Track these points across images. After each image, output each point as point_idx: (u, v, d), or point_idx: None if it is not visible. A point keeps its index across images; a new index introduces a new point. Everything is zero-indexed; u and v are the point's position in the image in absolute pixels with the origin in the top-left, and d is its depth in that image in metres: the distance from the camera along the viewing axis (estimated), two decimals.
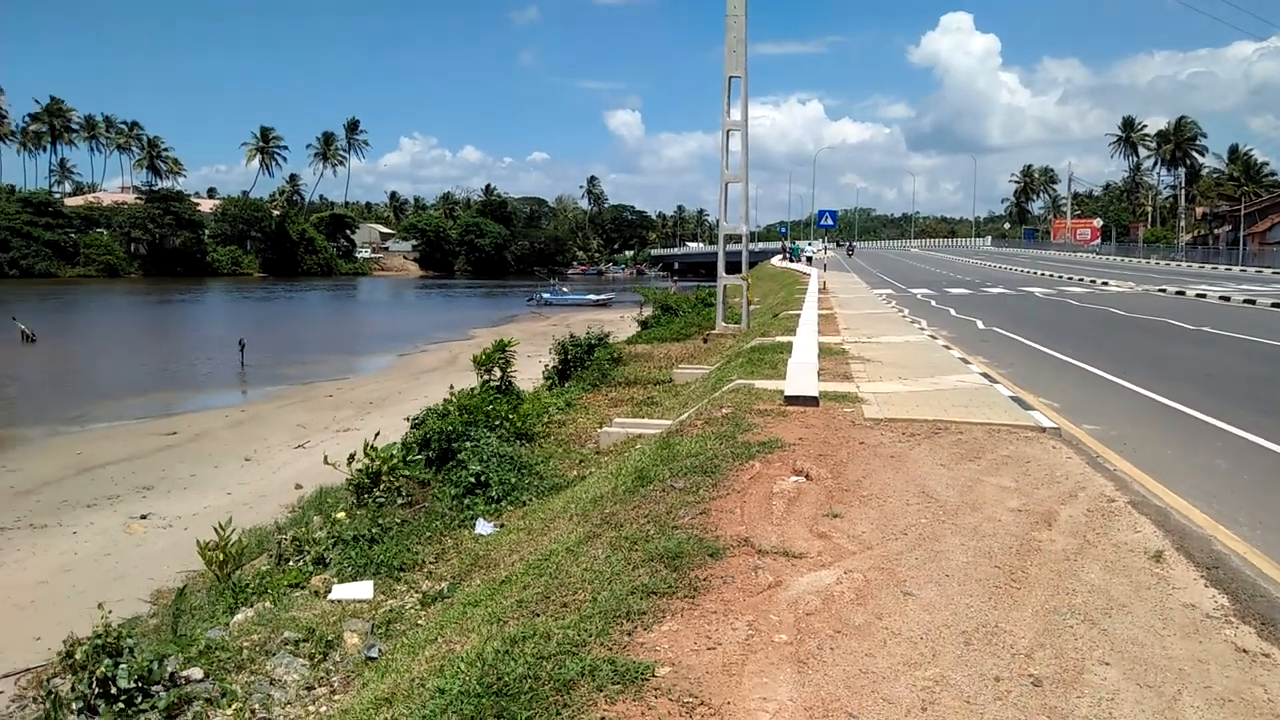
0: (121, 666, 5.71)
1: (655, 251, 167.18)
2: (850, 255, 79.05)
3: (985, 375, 12.24)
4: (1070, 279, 38.55)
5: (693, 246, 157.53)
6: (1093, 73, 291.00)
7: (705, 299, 31.82)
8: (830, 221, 37.12)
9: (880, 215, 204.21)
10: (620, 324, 36.57)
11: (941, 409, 9.44)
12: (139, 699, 5.68)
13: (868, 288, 35.23)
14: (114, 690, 5.69)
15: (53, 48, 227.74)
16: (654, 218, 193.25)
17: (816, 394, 9.56)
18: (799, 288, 32.24)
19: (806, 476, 6.95)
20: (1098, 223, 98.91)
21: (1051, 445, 8.08)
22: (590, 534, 6.35)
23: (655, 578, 5.06)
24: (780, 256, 72.80)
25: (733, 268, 23.44)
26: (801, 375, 9.65)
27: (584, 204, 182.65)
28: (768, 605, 4.67)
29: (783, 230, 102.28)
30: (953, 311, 24.07)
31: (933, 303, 27.66)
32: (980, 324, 20.49)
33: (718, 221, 23.68)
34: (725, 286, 23.01)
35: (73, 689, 5.91)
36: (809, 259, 63.03)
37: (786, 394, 9.60)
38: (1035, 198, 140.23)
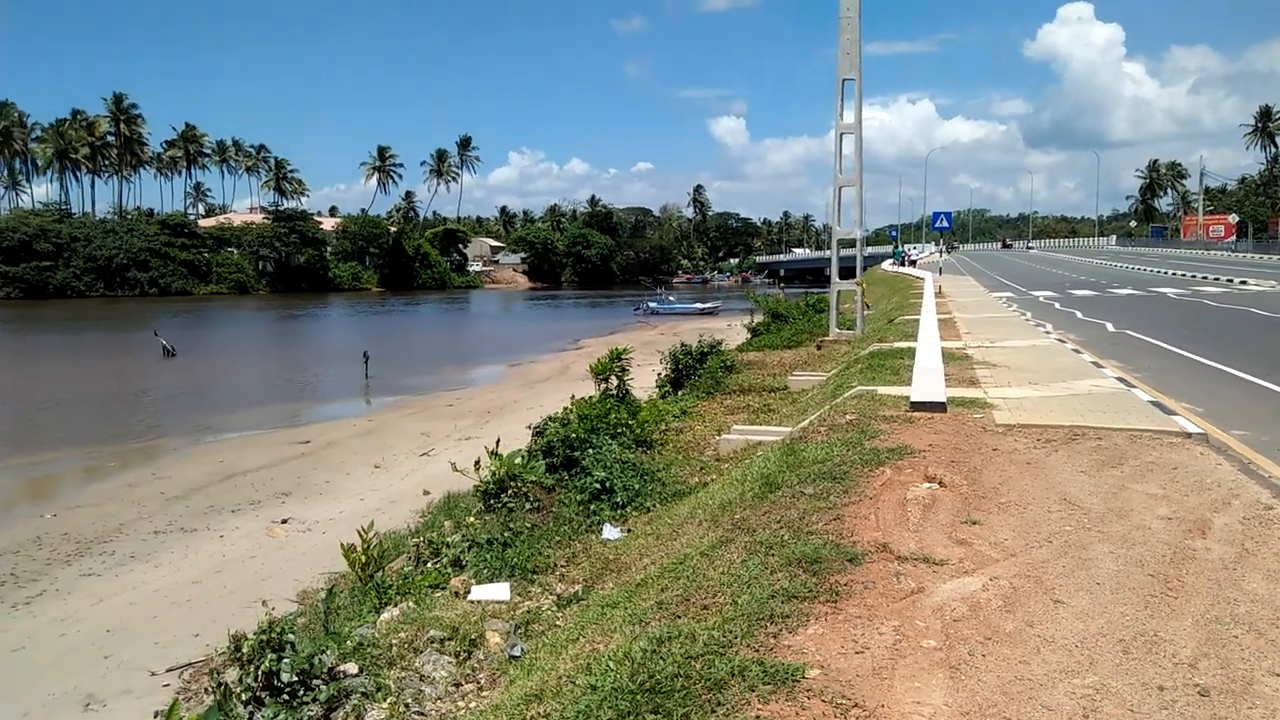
0: (284, 660, 6.07)
1: (760, 258, 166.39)
2: (951, 251, 77.05)
3: (1121, 380, 11.79)
4: (1204, 278, 36.59)
5: (799, 253, 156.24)
6: (1226, 59, 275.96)
7: (815, 305, 31.51)
8: (945, 224, 36.25)
9: (995, 216, 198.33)
10: (729, 332, 36.53)
11: (1077, 414, 9.16)
12: (301, 691, 6.02)
13: (986, 291, 34.24)
14: (278, 683, 6.05)
15: (186, 76, 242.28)
16: (759, 224, 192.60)
17: (944, 400, 9.42)
18: (913, 292, 31.61)
19: (940, 483, 6.87)
20: (1233, 218, 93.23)
21: (1199, 451, 7.75)
22: (723, 538, 6.43)
23: (795, 582, 5.11)
24: (891, 260, 71.48)
25: (844, 273, 23.17)
26: (927, 380, 9.52)
27: (688, 213, 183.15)
28: (912, 611, 4.67)
29: (893, 234, 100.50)
30: (1078, 314, 23.19)
31: (1056, 305, 26.70)
32: (1110, 327, 19.70)
33: (825, 226, 23.74)
34: (838, 292, 22.77)
35: (240, 681, 6.31)
36: (913, 262, 61.51)
37: (912, 400, 9.48)
38: (1162, 194, 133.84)
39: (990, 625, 4.43)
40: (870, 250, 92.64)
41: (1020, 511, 6.18)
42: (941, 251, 56.16)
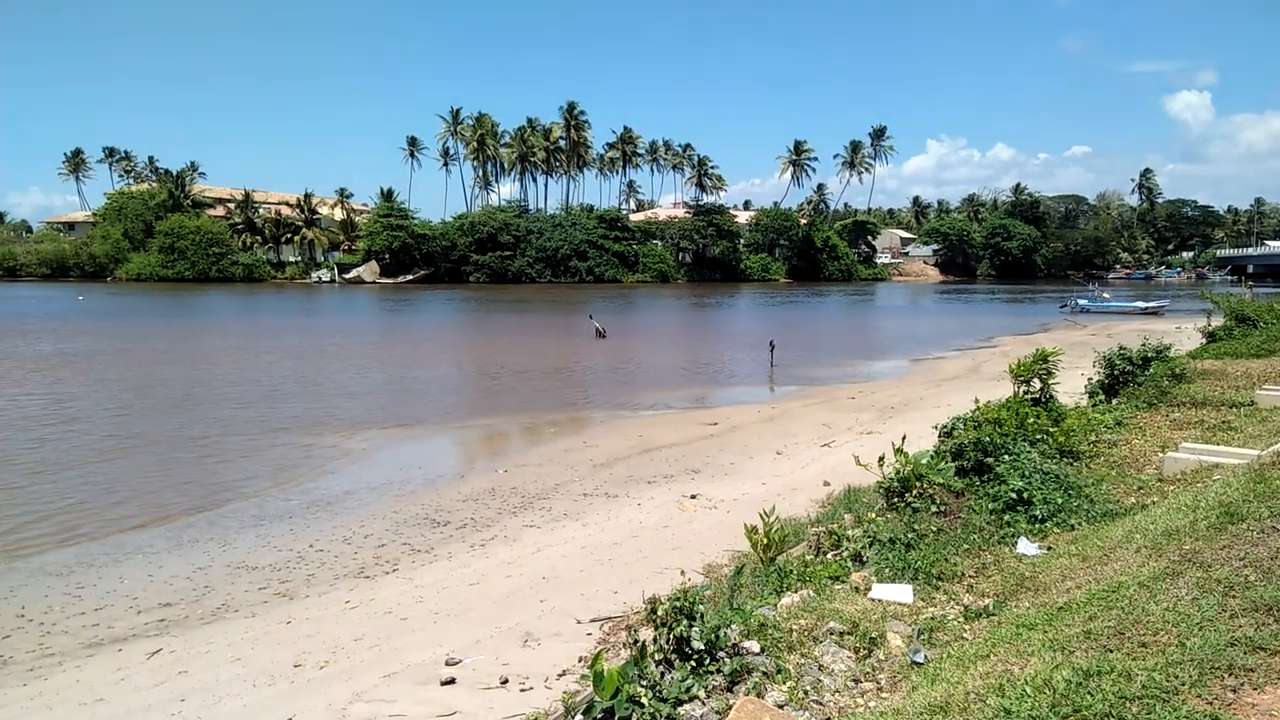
0: (695, 629, 6.41)
1: (1222, 253, 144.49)
2: None
3: None
4: None
5: (1275, 245, 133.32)
6: None
7: None
8: None
9: None
10: (1177, 335, 32.21)
11: None
12: (707, 661, 6.33)
13: None
14: (687, 649, 6.41)
15: (620, 85, 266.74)
16: (1222, 214, 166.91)
17: None
18: None
19: None
20: None
21: None
22: (1168, 570, 5.64)
23: (1262, 631, 4.34)
24: None
25: None
26: None
27: (1132, 200, 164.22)
28: None
29: None
30: None
31: None
32: None
33: None
34: None
35: (654, 641, 6.79)
36: None
37: None
38: None
39: None
40: None
41: None
42: None
